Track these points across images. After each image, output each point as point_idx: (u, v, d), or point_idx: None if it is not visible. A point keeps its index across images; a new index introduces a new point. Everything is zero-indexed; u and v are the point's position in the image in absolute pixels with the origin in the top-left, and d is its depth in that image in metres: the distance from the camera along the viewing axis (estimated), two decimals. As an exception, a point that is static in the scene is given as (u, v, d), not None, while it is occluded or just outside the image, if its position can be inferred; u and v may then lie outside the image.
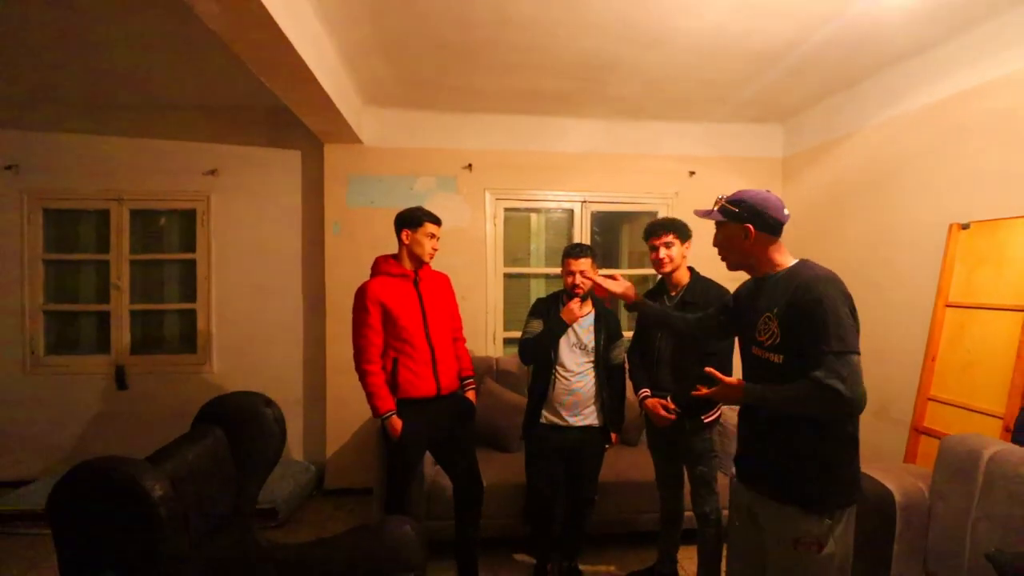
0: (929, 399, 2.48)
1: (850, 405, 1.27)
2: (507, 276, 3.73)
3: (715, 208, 1.54)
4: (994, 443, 1.83)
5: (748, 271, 1.56)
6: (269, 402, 1.92)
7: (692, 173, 3.73)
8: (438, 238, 2.26)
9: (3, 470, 3.48)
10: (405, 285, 2.21)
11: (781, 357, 1.39)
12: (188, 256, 3.64)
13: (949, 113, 2.54)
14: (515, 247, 3.81)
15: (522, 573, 2.58)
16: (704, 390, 1.55)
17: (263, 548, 1.79)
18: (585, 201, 3.73)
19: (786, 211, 1.47)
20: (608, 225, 3.99)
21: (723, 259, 1.58)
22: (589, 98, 3.30)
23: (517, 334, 3.58)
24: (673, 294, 2.20)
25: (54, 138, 3.51)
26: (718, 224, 1.56)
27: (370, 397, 2.14)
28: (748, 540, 1.56)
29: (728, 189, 1.59)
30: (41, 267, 3.55)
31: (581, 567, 2.51)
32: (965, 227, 2.43)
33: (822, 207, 3.36)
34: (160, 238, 3.69)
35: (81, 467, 1.24)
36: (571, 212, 3.76)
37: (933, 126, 2.62)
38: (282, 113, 3.36)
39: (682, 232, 2.17)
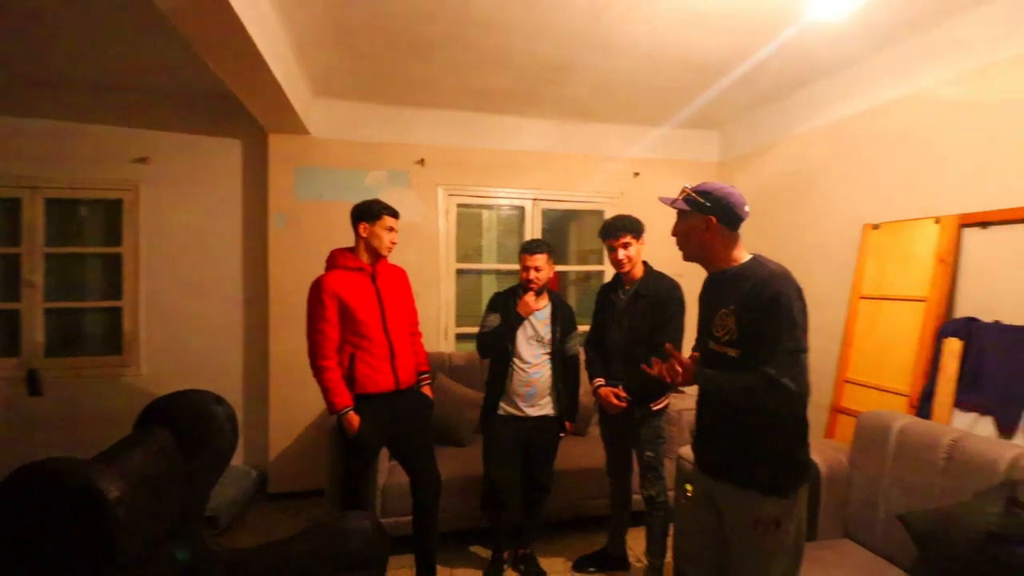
0: (846, 381, 2.76)
1: (798, 399, 1.35)
2: (459, 272, 3.73)
3: (680, 197, 1.54)
4: (902, 417, 2.07)
5: (703, 264, 1.57)
6: (220, 400, 1.82)
7: (637, 174, 3.91)
8: (396, 231, 2.24)
9: None
10: (362, 279, 2.18)
11: (738, 352, 1.43)
12: (113, 250, 3.36)
13: (860, 126, 2.83)
14: (467, 243, 3.83)
15: (478, 564, 2.61)
16: (656, 364, 1.56)
17: (216, 553, 1.71)
18: (536, 199, 3.80)
19: (747, 208, 1.51)
20: (556, 223, 4.10)
21: (680, 248, 1.58)
22: (542, 98, 3.37)
23: (469, 329, 3.61)
24: (628, 287, 2.31)
25: (-46, 117, 3.14)
26: (680, 213, 1.56)
27: (326, 393, 2.09)
28: (697, 520, 1.62)
29: (670, 190, 1.60)
30: (-63, 261, 3.16)
31: (535, 553, 2.58)
32: (876, 227, 2.72)
33: (752, 208, 3.59)
34: (80, 230, 3.38)
35: (22, 471, 1.13)
36: (522, 209, 3.82)
37: (847, 137, 2.92)
38: (221, 99, 3.18)
39: (637, 230, 2.27)
